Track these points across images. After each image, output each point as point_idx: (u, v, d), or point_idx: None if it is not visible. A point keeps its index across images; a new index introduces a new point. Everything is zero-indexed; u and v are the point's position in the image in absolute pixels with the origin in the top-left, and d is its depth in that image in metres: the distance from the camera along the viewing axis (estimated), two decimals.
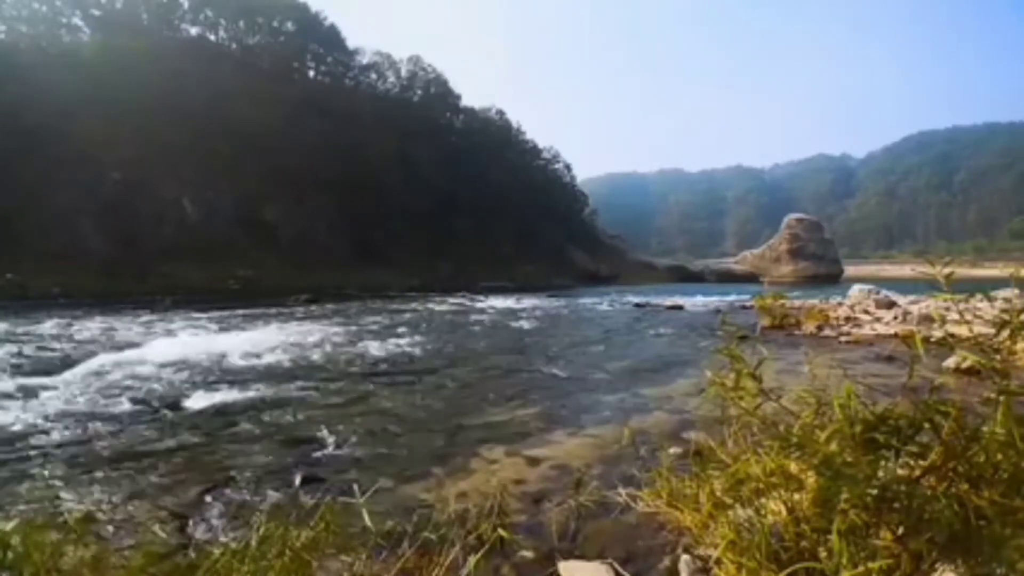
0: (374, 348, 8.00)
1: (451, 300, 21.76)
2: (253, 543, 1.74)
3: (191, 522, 2.39)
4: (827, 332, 8.83)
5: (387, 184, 47.73)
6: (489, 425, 4.00)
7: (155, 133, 34.88)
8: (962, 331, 1.38)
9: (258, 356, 7.09)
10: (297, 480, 2.84)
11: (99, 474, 2.99)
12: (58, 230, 29.82)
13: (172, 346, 7.92)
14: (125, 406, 4.51)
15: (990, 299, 1.40)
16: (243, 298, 20.95)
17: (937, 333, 1.50)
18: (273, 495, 2.68)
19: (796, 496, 1.54)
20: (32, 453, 3.34)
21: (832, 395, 1.44)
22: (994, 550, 1.14)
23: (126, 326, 10.87)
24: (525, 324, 12.43)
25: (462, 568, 1.85)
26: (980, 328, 1.37)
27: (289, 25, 53.26)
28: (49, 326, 10.62)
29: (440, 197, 51.62)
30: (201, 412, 4.36)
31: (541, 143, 74.25)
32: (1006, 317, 1.31)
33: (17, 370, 6.08)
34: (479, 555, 1.91)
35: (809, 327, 9.14)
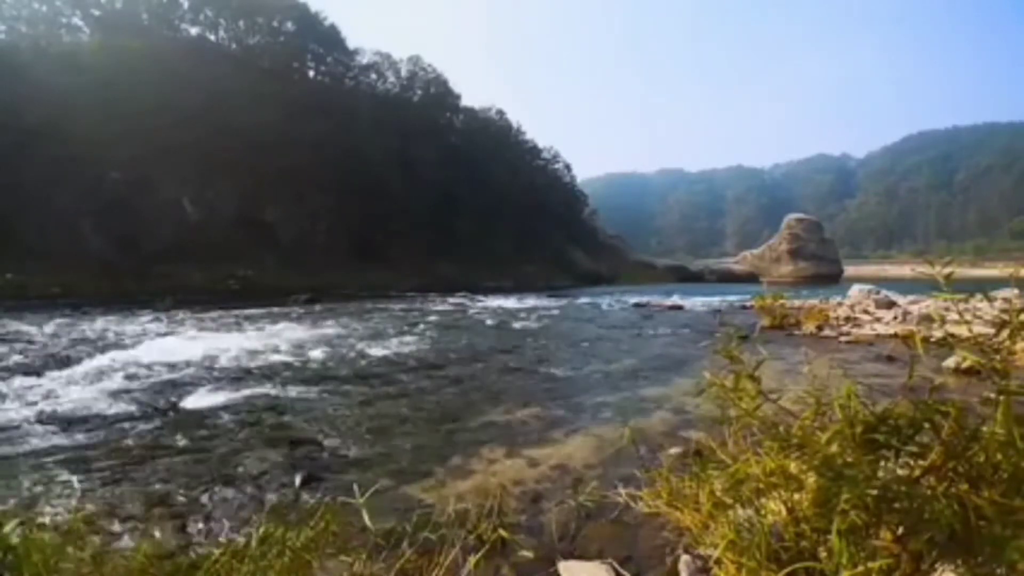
0: (374, 348, 8.00)
1: (451, 300, 21.75)
2: (253, 543, 1.74)
3: (191, 522, 2.39)
4: (827, 332, 8.83)
5: (387, 184, 47.70)
6: (489, 425, 4.00)
7: (155, 133, 34.81)
8: (962, 331, 1.38)
9: (258, 356, 7.09)
10: (297, 480, 2.84)
11: (99, 474, 2.99)
12: (58, 230, 29.80)
13: (172, 346, 7.92)
14: (125, 406, 4.50)
15: (990, 299, 1.40)
16: (243, 298, 20.94)
17: (937, 333, 1.50)
18: (273, 495, 2.68)
19: (796, 496, 1.54)
20: (32, 453, 3.34)
21: (832, 395, 1.44)
22: (994, 550, 1.14)
23: (126, 326, 10.86)
24: (525, 324, 12.43)
25: (462, 568, 1.85)
26: (980, 328, 1.37)
27: (289, 25, 53.18)
28: (49, 326, 10.62)
29: (440, 197, 51.57)
30: (201, 412, 4.36)
31: (541, 143, 74.34)
32: (1006, 317, 1.31)
33: (17, 370, 6.07)
34: (479, 555, 1.91)
35: (809, 327, 9.14)
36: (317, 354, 7.35)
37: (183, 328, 10.62)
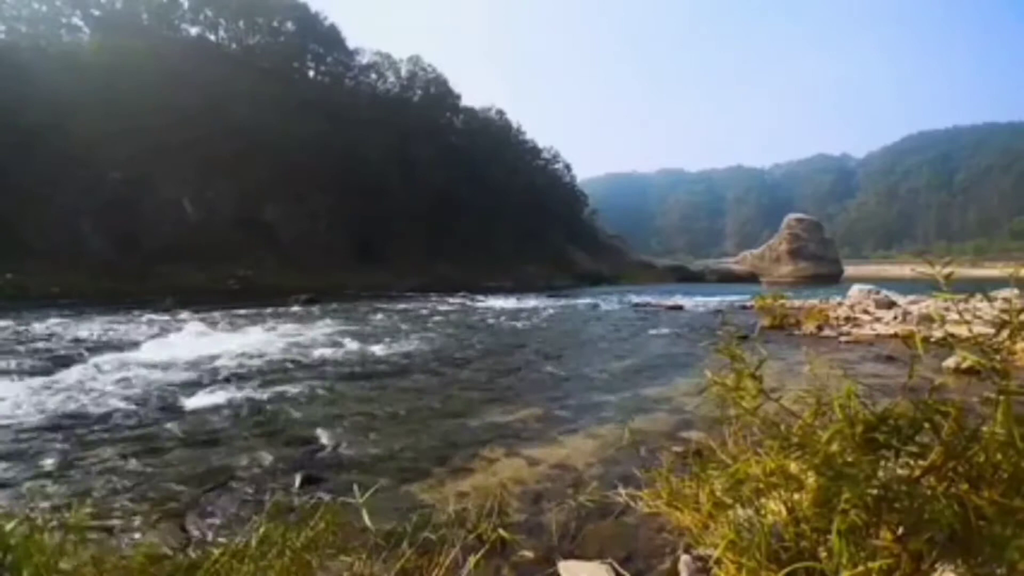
0: (374, 348, 8.00)
1: (451, 300, 21.75)
2: (253, 543, 1.74)
3: (191, 522, 2.39)
4: (827, 332, 8.83)
5: (387, 184, 47.68)
6: (489, 425, 4.00)
7: (155, 133, 34.79)
8: (962, 331, 1.38)
9: (258, 356, 7.09)
10: (297, 480, 2.84)
11: (100, 474, 2.99)
12: (58, 230, 29.79)
13: (172, 346, 7.92)
14: (124, 406, 4.50)
15: (990, 299, 1.40)
16: (243, 298, 20.93)
17: (937, 333, 1.50)
18: (273, 495, 2.68)
19: (796, 496, 1.54)
20: (32, 453, 3.34)
21: (832, 395, 1.44)
22: (994, 550, 1.14)
23: (126, 326, 10.86)
24: (525, 324, 12.43)
25: (462, 568, 1.85)
26: (980, 328, 1.37)
27: (289, 25, 53.16)
28: (49, 326, 10.62)
29: (440, 197, 51.57)
30: (201, 412, 4.36)
31: (541, 143, 74.33)
32: (1006, 317, 1.31)
33: (16, 370, 6.07)
34: (479, 555, 1.91)
35: (809, 327, 9.14)
36: (317, 354, 7.35)
37: (183, 328, 10.61)
